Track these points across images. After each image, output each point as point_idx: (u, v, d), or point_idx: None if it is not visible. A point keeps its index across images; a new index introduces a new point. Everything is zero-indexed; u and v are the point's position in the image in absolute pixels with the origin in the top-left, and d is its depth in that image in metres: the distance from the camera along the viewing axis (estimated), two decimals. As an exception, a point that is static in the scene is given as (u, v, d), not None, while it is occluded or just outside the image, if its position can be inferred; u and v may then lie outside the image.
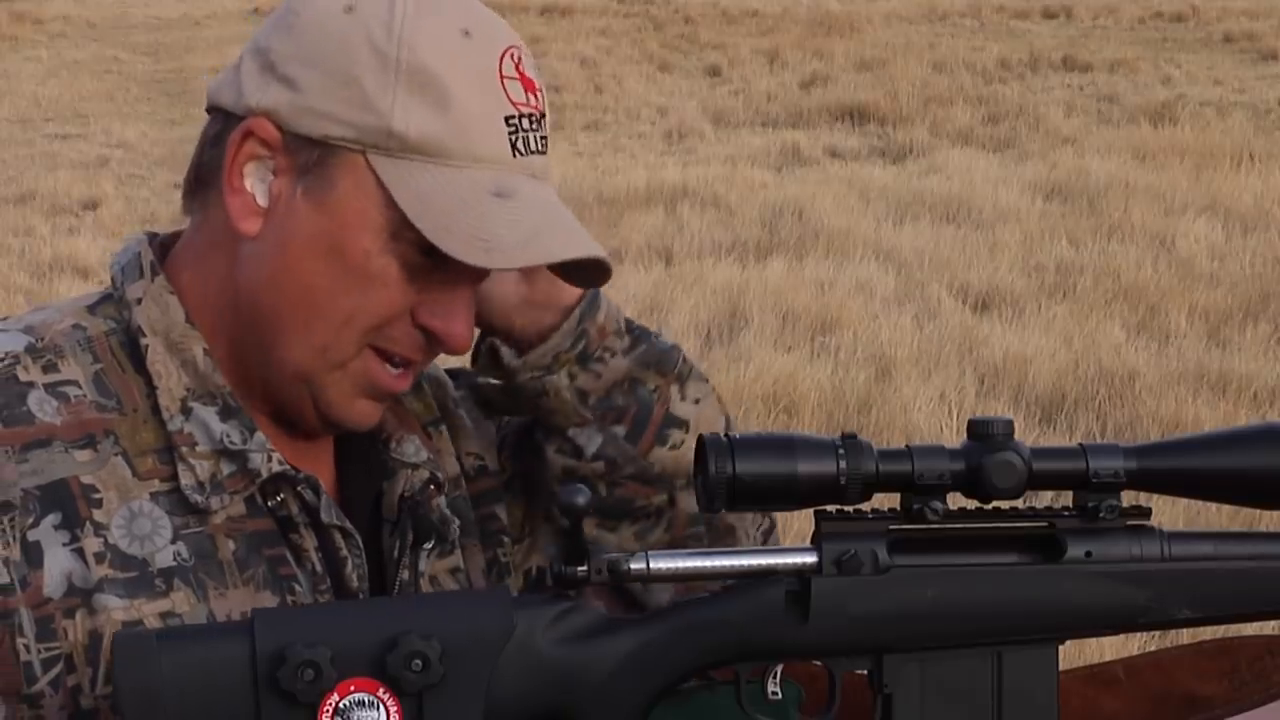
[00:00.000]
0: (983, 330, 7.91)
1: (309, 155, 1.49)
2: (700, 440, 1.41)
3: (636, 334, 1.68)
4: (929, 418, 6.73)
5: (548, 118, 1.56)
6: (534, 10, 21.98)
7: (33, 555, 1.45)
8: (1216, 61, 18.13)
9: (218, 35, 20.48)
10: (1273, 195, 10.84)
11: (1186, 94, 15.62)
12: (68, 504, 1.47)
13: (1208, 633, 1.68)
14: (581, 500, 1.39)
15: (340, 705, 1.34)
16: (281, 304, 1.51)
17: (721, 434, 1.41)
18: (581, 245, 1.53)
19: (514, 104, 1.51)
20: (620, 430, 1.65)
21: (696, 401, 1.68)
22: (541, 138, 1.53)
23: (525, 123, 1.51)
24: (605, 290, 1.65)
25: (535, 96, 1.53)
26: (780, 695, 1.44)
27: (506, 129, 1.50)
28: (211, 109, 1.56)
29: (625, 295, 8.47)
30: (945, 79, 16.52)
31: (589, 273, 1.57)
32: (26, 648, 1.44)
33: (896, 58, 17.53)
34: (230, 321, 1.54)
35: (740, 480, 1.38)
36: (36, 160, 13.19)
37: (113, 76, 17.78)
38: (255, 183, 1.51)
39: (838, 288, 8.66)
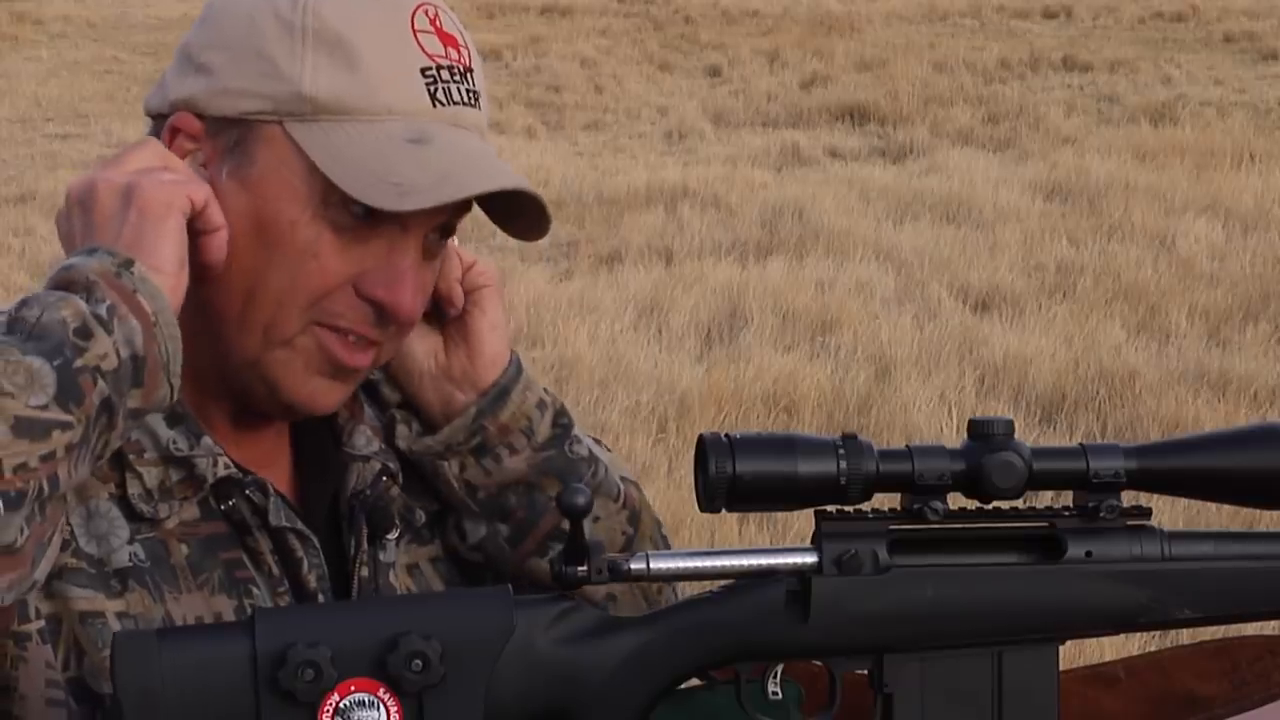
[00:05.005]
0: (983, 330, 7.92)
1: (230, 136, 1.49)
2: (701, 440, 1.40)
3: (557, 432, 1.62)
4: (929, 418, 6.73)
5: (476, 73, 1.54)
6: (534, 10, 21.97)
7: None
8: (1216, 61, 18.12)
9: (218, 35, 20.43)
10: (1273, 195, 10.84)
11: (1186, 94, 15.61)
12: None
13: (1208, 633, 1.68)
14: (581, 500, 1.38)
15: (340, 705, 1.34)
16: (220, 291, 1.50)
17: (721, 434, 1.41)
18: (500, 179, 1.50)
19: (429, 56, 1.50)
20: (503, 529, 1.62)
21: (595, 520, 1.57)
22: (469, 91, 1.52)
23: (445, 74, 1.50)
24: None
25: (457, 51, 1.52)
26: (780, 695, 1.44)
27: (423, 79, 1.49)
28: (151, 118, 1.55)
29: (625, 295, 8.47)
30: (945, 79, 16.51)
31: (530, 219, 1.54)
32: None
33: (896, 58, 17.51)
34: (182, 317, 1.49)
35: (740, 480, 1.38)
36: (36, 160, 13.19)
37: (113, 76, 17.76)
38: None
39: (838, 288, 8.66)
